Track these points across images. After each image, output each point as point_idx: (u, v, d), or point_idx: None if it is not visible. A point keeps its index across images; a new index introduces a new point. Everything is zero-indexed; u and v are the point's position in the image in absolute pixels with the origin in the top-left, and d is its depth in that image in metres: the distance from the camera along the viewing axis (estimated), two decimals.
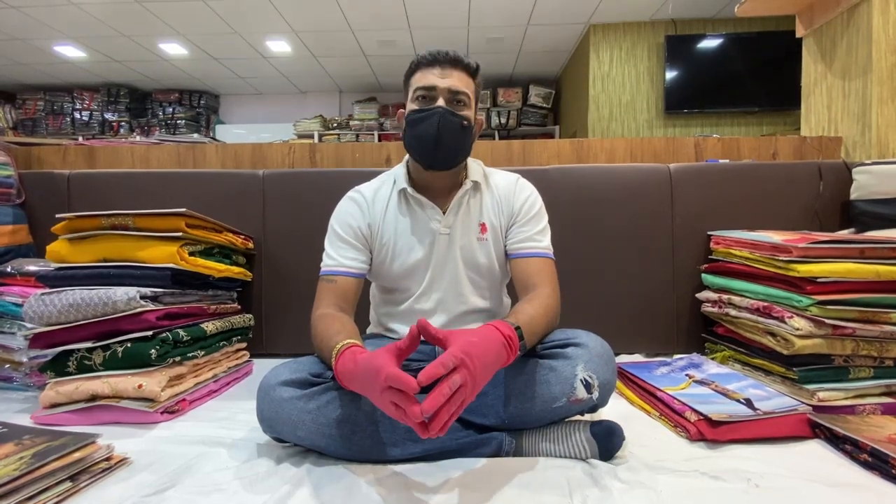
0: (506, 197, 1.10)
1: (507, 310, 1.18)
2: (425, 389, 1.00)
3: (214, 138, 3.56)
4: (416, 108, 1.01)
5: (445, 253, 1.07)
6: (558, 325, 0.98)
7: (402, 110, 1.06)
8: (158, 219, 1.15)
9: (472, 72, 1.03)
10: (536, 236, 1.07)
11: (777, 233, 1.23)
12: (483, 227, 1.08)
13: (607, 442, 0.85)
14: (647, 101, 4.01)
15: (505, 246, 1.10)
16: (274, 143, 1.79)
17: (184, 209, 1.16)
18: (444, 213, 1.06)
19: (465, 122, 1.01)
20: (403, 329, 1.09)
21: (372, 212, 1.08)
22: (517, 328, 0.79)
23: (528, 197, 1.10)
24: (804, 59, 1.91)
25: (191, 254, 1.18)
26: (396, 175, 1.10)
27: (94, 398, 1.04)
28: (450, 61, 1.00)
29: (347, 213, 1.08)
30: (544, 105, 5.23)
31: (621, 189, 1.50)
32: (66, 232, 1.17)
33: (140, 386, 1.02)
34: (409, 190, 1.06)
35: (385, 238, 1.07)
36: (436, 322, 1.07)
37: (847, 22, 1.70)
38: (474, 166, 1.12)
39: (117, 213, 1.15)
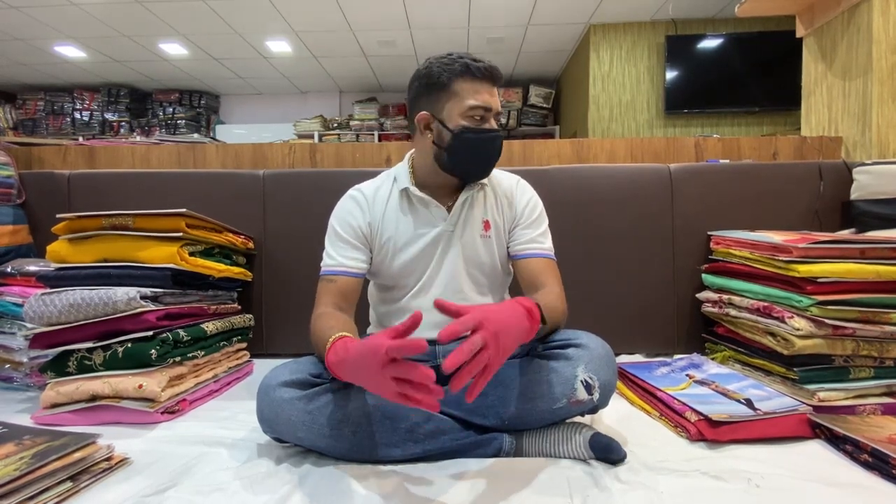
0: (507, 197, 1.11)
1: (509, 299, 1.18)
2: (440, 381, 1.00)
3: (215, 138, 3.56)
4: (473, 126, 0.97)
5: (447, 250, 1.07)
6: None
7: (426, 113, 0.99)
8: (159, 219, 1.15)
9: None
10: (539, 238, 1.07)
11: (777, 233, 1.23)
12: (486, 224, 1.09)
13: (604, 457, 0.85)
14: (648, 101, 4.00)
15: (508, 246, 1.10)
16: (274, 144, 1.79)
17: (184, 209, 1.16)
18: (448, 211, 1.07)
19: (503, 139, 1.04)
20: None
21: (372, 210, 1.07)
22: (537, 304, 0.80)
23: (529, 200, 1.11)
24: (804, 58, 1.91)
25: (191, 254, 1.18)
26: (398, 174, 1.10)
27: (94, 398, 1.04)
28: (497, 79, 0.99)
29: (347, 213, 1.07)
30: (544, 105, 5.22)
31: (621, 189, 1.50)
32: (67, 232, 1.17)
33: (140, 386, 1.02)
34: (413, 189, 1.05)
35: (386, 236, 1.07)
36: (434, 318, 1.07)
37: (847, 22, 1.70)
38: None
39: (117, 214, 1.15)
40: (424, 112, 0.99)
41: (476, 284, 1.09)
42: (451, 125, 0.97)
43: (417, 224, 1.06)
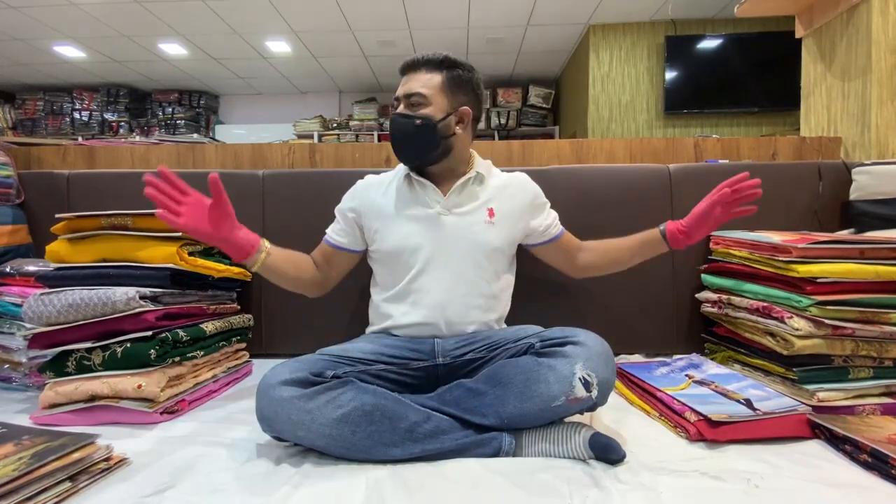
0: (521, 192, 1.18)
1: (509, 296, 1.19)
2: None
3: (214, 138, 3.56)
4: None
5: (446, 233, 1.09)
6: (557, 324, 0.99)
7: None
8: (158, 219, 1.15)
9: (435, 65, 1.08)
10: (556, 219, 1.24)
11: (777, 233, 1.23)
12: (490, 212, 1.12)
13: (603, 457, 0.85)
14: (647, 101, 4.01)
15: (539, 232, 1.19)
16: (273, 144, 1.79)
17: None
18: (444, 195, 1.11)
19: (419, 121, 1.05)
20: (397, 310, 1.10)
21: (365, 194, 1.17)
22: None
23: (539, 191, 1.22)
24: (804, 59, 1.91)
25: (190, 254, 1.18)
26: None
27: (93, 398, 1.04)
28: (411, 66, 1.09)
29: (344, 197, 1.21)
30: (544, 105, 5.23)
31: (621, 189, 1.50)
32: (66, 232, 1.17)
33: (139, 386, 1.02)
34: (413, 174, 1.12)
35: (383, 215, 1.13)
36: (435, 300, 1.08)
37: (846, 22, 1.70)
38: (480, 161, 1.18)
39: (117, 214, 1.15)
40: None
41: (480, 269, 1.10)
42: None
43: (414, 205, 1.12)
